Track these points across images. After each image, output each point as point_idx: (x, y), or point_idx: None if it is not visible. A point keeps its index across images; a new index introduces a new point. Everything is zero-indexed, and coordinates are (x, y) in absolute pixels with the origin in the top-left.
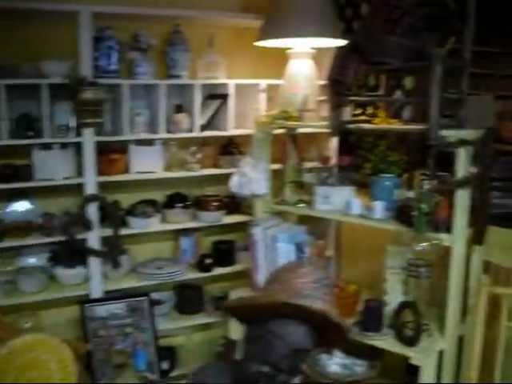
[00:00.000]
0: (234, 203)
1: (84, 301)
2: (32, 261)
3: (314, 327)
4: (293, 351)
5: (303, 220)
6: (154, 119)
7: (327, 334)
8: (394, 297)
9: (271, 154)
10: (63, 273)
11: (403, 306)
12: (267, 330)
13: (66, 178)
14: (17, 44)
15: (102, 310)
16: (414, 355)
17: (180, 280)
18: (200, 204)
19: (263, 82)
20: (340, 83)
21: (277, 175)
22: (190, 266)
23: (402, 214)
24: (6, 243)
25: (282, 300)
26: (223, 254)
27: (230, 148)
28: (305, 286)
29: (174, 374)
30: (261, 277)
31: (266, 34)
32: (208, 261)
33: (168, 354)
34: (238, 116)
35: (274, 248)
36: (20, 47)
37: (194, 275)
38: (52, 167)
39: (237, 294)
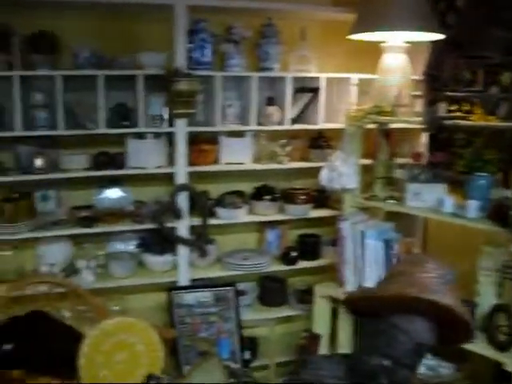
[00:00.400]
0: (322, 197)
1: (171, 288)
2: (122, 247)
3: (438, 323)
4: (416, 347)
5: (390, 216)
6: (244, 111)
7: (451, 331)
8: (486, 299)
9: (362, 148)
10: (152, 259)
11: (497, 308)
12: (392, 324)
13: (158, 167)
14: (115, 36)
15: (188, 298)
16: (506, 361)
17: (264, 272)
18: (287, 197)
19: (355, 76)
20: (436, 78)
21: (366, 170)
22: (274, 258)
23: (497, 213)
24: (99, 229)
25: (413, 294)
26: (308, 247)
27: (320, 142)
28: (432, 281)
29: (255, 364)
30: (348, 272)
31: (359, 27)
32: (293, 254)
33: (250, 344)
34: (329, 110)
35: (361, 244)
36: (118, 39)
37: (278, 267)
38: (145, 156)
39: (322, 288)
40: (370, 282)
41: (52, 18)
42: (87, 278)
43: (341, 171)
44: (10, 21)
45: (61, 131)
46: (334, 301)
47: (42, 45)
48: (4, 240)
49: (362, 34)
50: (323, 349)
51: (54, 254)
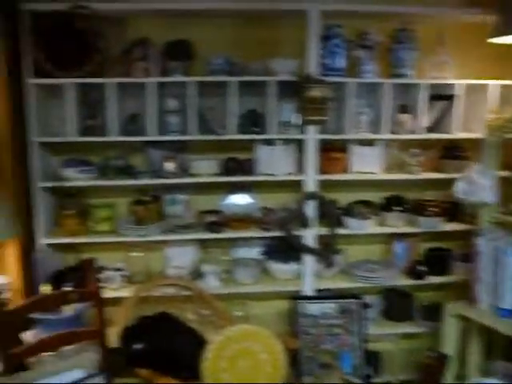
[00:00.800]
0: (454, 210)
1: (296, 297)
2: (247, 253)
3: None
4: None
5: None
6: (376, 119)
7: None
8: None
9: (501, 159)
10: (276, 267)
11: None
12: None
13: (287, 174)
14: (248, 43)
15: (313, 308)
16: None
17: (390, 285)
18: (418, 208)
19: (495, 83)
20: None
21: (505, 183)
22: (401, 271)
23: None
24: (226, 234)
25: None
26: (438, 262)
27: (455, 152)
28: None
29: (376, 380)
30: (482, 291)
31: (502, 29)
32: (421, 268)
33: (372, 359)
34: (465, 118)
35: (499, 262)
36: (250, 46)
37: (404, 281)
38: (274, 163)
39: (454, 307)
40: (506, 303)
41: (188, 26)
42: (212, 283)
43: (479, 184)
44: (149, 30)
45: (192, 136)
46: (466, 320)
47: (177, 52)
48: (135, 242)
49: (506, 36)
50: (450, 371)
51: (181, 257)
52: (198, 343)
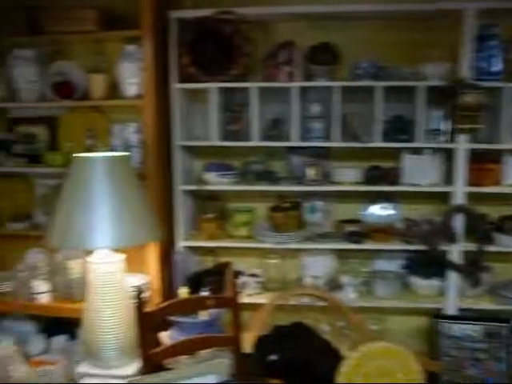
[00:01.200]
0: None
1: (438, 315)
2: (387, 265)
3: None
4: None
5: None
6: None
7: None
8: None
9: None
10: (417, 282)
11: None
12: None
13: (433, 185)
14: (394, 46)
15: (455, 329)
16: None
17: None
18: None
19: None
20: None
21: None
22: None
23: None
24: (366, 245)
25: None
26: None
27: None
28: None
29: None
30: None
31: None
32: None
33: None
34: None
35: None
36: (397, 49)
37: None
38: (420, 172)
39: None
40: None
41: (332, 29)
42: (349, 295)
43: None
44: (292, 34)
45: (335, 143)
46: None
47: (321, 56)
48: (272, 248)
49: None
50: None
51: (318, 267)
52: (333, 356)
